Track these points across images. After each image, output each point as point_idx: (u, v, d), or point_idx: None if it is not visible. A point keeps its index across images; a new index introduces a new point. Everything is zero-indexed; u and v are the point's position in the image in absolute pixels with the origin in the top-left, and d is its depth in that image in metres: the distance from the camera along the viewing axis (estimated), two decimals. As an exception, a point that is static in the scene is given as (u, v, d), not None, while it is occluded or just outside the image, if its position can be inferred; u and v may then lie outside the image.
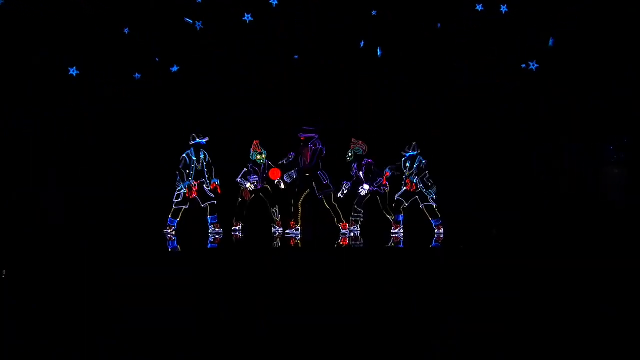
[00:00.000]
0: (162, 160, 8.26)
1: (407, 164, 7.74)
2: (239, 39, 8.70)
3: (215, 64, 8.81)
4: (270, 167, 7.95)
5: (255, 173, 7.93)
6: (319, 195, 7.67)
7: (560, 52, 8.58)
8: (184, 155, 7.54)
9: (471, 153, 8.94)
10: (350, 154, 8.07)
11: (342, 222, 7.74)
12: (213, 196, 7.66)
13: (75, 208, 8.57)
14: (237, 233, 7.97)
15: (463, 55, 8.80)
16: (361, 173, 7.97)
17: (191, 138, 7.61)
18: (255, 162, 7.95)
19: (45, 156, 8.58)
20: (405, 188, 7.70)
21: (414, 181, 7.61)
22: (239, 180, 7.86)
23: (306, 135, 7.72)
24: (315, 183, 7.64)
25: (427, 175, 7.67)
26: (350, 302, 5.09)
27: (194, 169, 7.56)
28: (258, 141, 8.02)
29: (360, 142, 8.09)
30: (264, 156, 7.96)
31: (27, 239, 7.40)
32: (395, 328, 4.68)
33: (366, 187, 7.88)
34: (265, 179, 7.95)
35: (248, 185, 7.85)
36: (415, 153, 7.72)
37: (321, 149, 7.72)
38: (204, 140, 7.65)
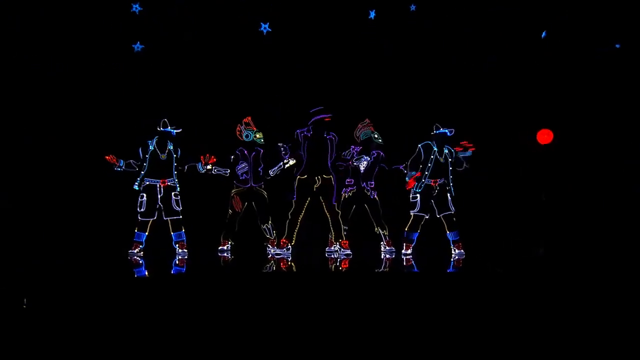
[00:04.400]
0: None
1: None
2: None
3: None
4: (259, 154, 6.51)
5: (245, 159, 6.52)
6: (334, 202, 6.39)
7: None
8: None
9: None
10: (375, 136, 6.65)
11: (342, 239, 6.35)
12: (179, 210, 6.30)
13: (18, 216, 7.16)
14: (225, 254, 6.63)
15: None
16: (362, 166, 6.47)
17: (161, 124, 6.29)
18: (251, 144, 6.49)
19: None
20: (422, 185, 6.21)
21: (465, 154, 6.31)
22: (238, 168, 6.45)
23: (322, 116, 6.21)
24: (328, 187, 6.31)
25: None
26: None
27: (152, 162, 6.20)
28: (250, 117, 6.59)
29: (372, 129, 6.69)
30: (261, 135, 6.55)
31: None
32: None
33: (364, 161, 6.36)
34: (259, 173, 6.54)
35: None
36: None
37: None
38: (174, 132, 6.30)
